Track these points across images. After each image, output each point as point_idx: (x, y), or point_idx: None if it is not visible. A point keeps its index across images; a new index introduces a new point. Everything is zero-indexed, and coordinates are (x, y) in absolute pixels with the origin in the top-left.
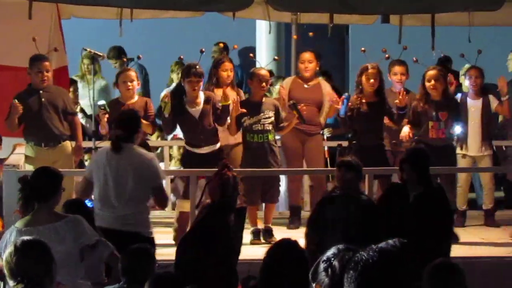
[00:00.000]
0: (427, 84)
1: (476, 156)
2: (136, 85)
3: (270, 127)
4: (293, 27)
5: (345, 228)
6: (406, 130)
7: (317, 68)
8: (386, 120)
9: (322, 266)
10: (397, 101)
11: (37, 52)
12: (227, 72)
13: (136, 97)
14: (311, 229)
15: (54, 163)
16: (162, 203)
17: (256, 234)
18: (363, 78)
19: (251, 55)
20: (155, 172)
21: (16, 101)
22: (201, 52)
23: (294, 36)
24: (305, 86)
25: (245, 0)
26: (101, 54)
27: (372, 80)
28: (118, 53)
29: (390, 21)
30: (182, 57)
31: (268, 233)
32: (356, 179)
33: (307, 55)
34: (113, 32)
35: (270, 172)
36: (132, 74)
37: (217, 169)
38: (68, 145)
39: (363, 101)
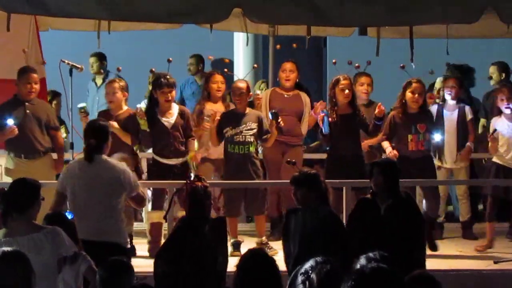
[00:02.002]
0: (410, 95)
1: (453, 168)
2: (120, 96)
3: (252, 138)
4: (270, 39)
5: (303, 239)
6: (389, 150)
7: (297, 80)
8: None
9: (300, 278)
10: (376, 112)
11: (12, 63)
12: (217, 84)
13: (125, 107)
14: (283, 240)
15: (33, 175)
16: (140, 204)
17: (236, 246)
18: (337, 90)
19: (226, 70)
20: (129, 183)
21: (11, 122)
22: (168, 61)
23: (278, 46)
24: (285, 95)
25: (223, 13)
26: (79, 66)
27: (347, 91)
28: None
29: (368, 34)
30: (153, 69)
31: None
32: (308, 192)
33: (289, 65)
34: (91, 44)
35: (250, 184)
36: (115, 85)
37: (185, 182)
38: (49, 158)
39: (338, 113)
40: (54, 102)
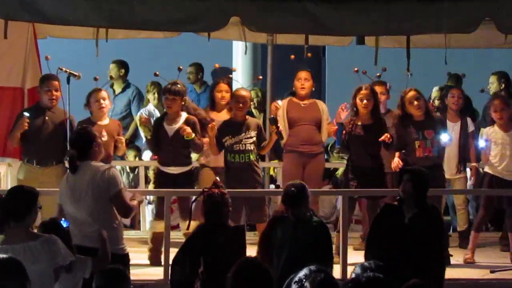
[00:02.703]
0: (409, 106)
1: (451, 178)
2: (108, 104)
3: (251, 147)
4: (269, 48)
5: (291, 249)
6: (395, 160)
7: (313, 88)
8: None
9: (294, 287)
10: (384, 137)
11: (10, 71)
12: (222, 93)
13: (107, 120)
14: (262, 247)
15: (41, 183)
16: (123, 212)
17: None
18: (357, 100)
19: (230, 75)
20: (109, 181)
21: (27, 114)
22: (179, 70)
23: (292, 56)
24: (302, 105)
25: (220, 21)
26: (76, 73)
27: (365, 101)
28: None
29: (365, 43)
30: (157, 73)
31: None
32: (304, 206)
33: (304, 74)
34: (90, 52)
35: (250, 193)
36: (104, 93)
37: (202, 189)
38: (61, 167)
39: (358, 123)
40: None
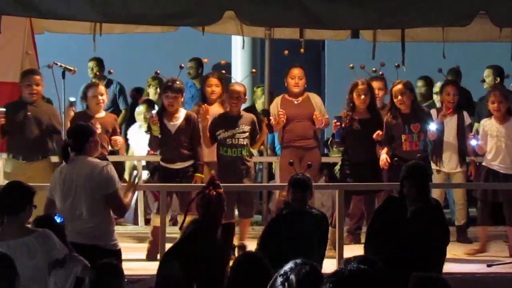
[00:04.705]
0: (394, 99)
1: (450, 172)
2: (105, 99)
3: (244, 142)
4: (266, 43)
5: (297, 243)
6: (383, 158)
7: (305, 85)
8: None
9: (279, 280)
10: (374, 136)
11: (8, 66)
12: (212, 87)
13: (103, 113)
14: (262, 244)
15: (29, 178)
16: (118, 211)
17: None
18: (354, 94)
19: (223, 71)
20: (106, 179)
21: (3, 110)
22: (181, 67)
23: (286, 52)
24: (295, 102)
25: (214, 16)
26: (71, 68)
27: (362, 96)
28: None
29: (359, 36)
30: (158, 72)
31: (242, 249)
32: (306, 196)
33: (297, 71)
34: (88, 46)
35: (240, 187)
36: (102, 88)
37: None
38: (47, 161)
39: (355, 118)
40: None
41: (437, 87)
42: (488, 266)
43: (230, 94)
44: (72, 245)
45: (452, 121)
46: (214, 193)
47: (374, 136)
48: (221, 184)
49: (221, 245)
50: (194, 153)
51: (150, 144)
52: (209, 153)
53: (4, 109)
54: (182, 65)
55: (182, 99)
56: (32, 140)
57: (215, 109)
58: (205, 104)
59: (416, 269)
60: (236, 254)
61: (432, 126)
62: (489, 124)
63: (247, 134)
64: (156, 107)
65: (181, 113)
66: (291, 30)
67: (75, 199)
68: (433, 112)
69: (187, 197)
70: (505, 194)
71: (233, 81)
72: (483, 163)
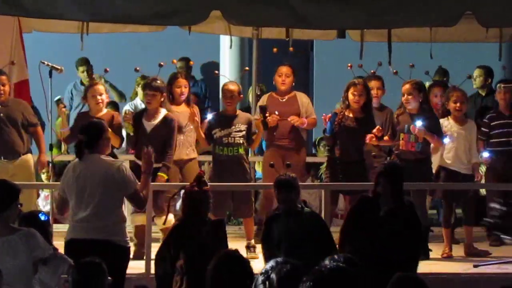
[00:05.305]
0: (402, 98)
1: None
2: (105, 98)
3: (241, 140)
4: (254, 42)
5: (288, 243)
6: (369, 136)
7: (293, 83)
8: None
9: (260, 278)
10: (374, 131)
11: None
12: (181, 88)
13: (104, 110)
14: (264, 247)
15: (13, 176)
16: (139, 206)
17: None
18: (350, 93)
19: (216, 72)
20: (124, 180)
21: None
22: (160, 66)
23: (275, 49)
24: (281, 100)
25: (201, 15)
26: (59, 67)
27: (357, 96)
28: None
29: (346, 36)
30: (138, 68)
31: (250, 248)
32: (295, 196)
33: (285, 69)
34: (75, 46)
35: (236, 187)
36: (101, 88)
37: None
38: (29, 158)
39: (350, 115)
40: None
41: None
42: (475, 266)
43: (223, 94)
44: (87, 241)
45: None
46: (197, 190)
47: (374, 131)
48: (215, 184)
49: (210, 241)
50: (163, 154)
51: (128, 143)
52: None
53: None
54: (162, 63)
55: (162, 99)
56: (9, 140)
57: (183, 109)
58: (195, 107)
59: (390, 268)
60: (247, 255)
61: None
62: (448, 125)
63: (243, 133)
64: (129, 107)
65: (161, 114)
66: (279, 30)
67: (90, 196)
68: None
69: (159, 197)
70: (463, 195)
71: (224, 80)
72: (440, 164)
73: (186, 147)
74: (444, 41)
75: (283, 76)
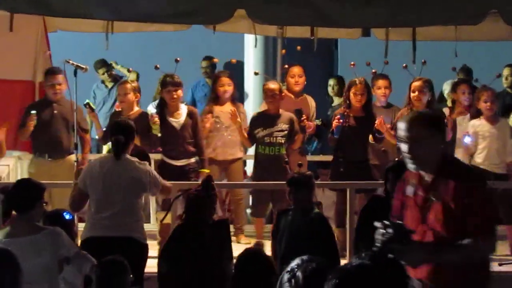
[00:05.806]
0: (412, 94)
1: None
2: (132, 97)
3: (282, 140)
4: (278, 41)
5: (290, 239)
6: (378, 121)
7: (305, 83)
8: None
9: (285, 277)
10: (377, 122)
11: (20, 65)
12: (224, 87)
13: (136, 108)
14: (272, 241)
15: (53, 176)
16: (167, 195)
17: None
18: (351, 93)
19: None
20: (154, 182)
21: (33, 112)
22: (176, 61)
23: (282, 51)
24: (295, 100)
25: (224, 14)
26: (83, 66)
27: (359, 96)
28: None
29: (370, 35)
30: (158, 66)
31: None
32: (307, 194)
33: (297, 69)
34: (101, 45)
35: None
36: (127, 86)
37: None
38: (72, 158)
39: (350, 115)
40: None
41: (447, 84)
42: (500, 265)
43: (264, 93)
44: (105, 239)
45: (465, 120)
46: (201, 195)
47: (377, 123)
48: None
49: (213, 242)
50: (198, 149)
51: (149, 143)
52: (223, 152)
53: (34, 112)
54: (178, 58)
55: (182, 94)
56: (58, 138)
57: (228, 109)
58: (238, 105)
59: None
60: None
61: (467, 139)
62: (480, 125)
63: (285, 132)
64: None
65: (183, 109)
66: (303, 29)
67: (116, 195)
68: (446, 110)
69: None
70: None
71: (265, 80)
72: (472, 164)
73: (230, 147)
74: (468, 40)
75: (296, 77)
